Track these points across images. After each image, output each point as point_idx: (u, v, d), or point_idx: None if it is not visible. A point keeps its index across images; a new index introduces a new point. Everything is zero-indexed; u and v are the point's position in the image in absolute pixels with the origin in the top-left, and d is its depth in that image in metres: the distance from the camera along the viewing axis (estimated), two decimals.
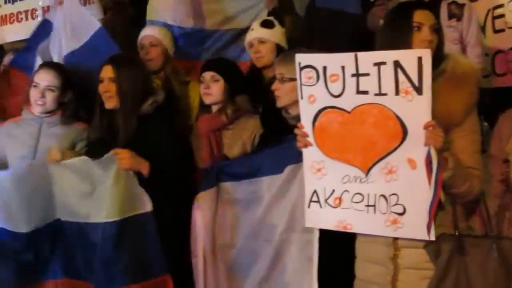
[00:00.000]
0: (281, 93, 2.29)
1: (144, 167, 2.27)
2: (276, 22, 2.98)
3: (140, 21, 3.65)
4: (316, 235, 2.04)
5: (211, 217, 2.32)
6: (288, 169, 2.14)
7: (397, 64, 1.78)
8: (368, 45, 2.07)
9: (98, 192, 2.24)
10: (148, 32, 3.10)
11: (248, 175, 2.28)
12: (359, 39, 3.30)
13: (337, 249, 2.06)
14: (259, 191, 2.24)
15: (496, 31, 3.54)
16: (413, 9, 1.94)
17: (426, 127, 1.73)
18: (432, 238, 1.77)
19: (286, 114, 2.34)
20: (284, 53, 2.60)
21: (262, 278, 2.21)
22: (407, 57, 1.77)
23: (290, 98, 2.23)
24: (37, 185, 2.31)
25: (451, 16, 3.39)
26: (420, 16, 1.92)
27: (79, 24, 3.01)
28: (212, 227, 2.32)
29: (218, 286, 2.32)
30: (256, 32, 2.94)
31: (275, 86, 2.31)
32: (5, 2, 3.43)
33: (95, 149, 2.41)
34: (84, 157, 2.33)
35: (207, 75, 2.61)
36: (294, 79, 2.13)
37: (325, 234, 2.03)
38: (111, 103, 2.43)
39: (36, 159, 2.57)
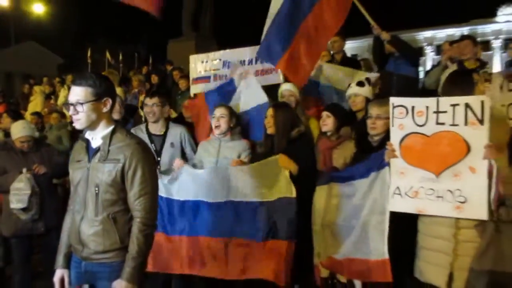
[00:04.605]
0: (377, 126, 3.31)
1: (294, 168, 3.43)
2: (366, 82, 4.19)
3: None
4: (387, 217, 2.89)
5: (324, 203, 3.35)
6: (372, 174, 3.05)
7: (467, 105, 2.63)
8: None
9: (265, 181, 3.43)
10: (288, 87, 4.55)
11: (348, 179, 3.26)
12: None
13: (401, 226, 2.93)
14: (354, 189, 3.20)
15: None
16: (472, 73, 3.19)
17: (486, 146, 2.57)
18: (486, 218, 2.57)
19: (371, 139, 3.36)
20: (376, 100, 3.67)
21: (354, 242, 3.11)
22: (475, 101, 2.63)
23: (382, 130, 3.26)
24: (221, 178, 3.59)
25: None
26: (476, 77, 3.10)
27: (253, 94, 4.40)
28: (324, 209, 3.34)
29: (326, 243, 3.29)
30: (353, 89, 4.22)
31: (373, 121, 3.32)
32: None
33: (260, 157, 3.66)
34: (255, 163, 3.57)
35: (324, 114, 3.81)
36: (386, 118, 3.18)
37: (393, 217, 2.89)
38: (270, 130, 3.71)
39: (219, 163, 3.86)
